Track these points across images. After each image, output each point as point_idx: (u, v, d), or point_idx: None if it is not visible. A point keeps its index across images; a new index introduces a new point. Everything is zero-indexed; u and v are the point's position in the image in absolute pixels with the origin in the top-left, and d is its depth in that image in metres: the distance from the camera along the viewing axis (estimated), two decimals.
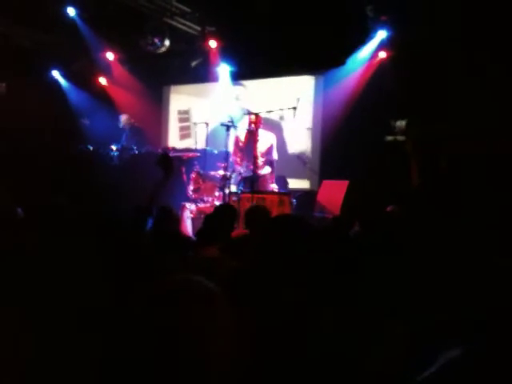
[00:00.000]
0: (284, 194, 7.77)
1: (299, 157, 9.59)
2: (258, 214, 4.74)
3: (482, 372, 1.32)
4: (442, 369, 1.36)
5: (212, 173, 8.27)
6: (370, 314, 1.91)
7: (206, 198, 8.07)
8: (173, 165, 3.94)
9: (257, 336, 1.81)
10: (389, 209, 5.58)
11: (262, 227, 3.89)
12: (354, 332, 1.84)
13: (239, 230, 7.06)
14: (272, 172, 8.30)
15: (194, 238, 5.44)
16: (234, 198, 7.53)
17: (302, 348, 1.79)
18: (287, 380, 1.73)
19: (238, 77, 10.53)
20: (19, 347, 1.77)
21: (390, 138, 8.19)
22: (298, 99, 7.26)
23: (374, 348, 1.82)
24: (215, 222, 4.42)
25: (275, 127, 9.82)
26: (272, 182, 8.27)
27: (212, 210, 5.94)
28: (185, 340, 1.34)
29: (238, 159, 8.37)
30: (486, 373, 1.32)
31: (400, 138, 7.98)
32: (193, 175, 8.25)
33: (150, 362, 1.33)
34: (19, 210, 4.23)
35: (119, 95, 11.47)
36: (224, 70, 10.52)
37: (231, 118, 7.91)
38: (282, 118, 10.10)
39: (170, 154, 9.16)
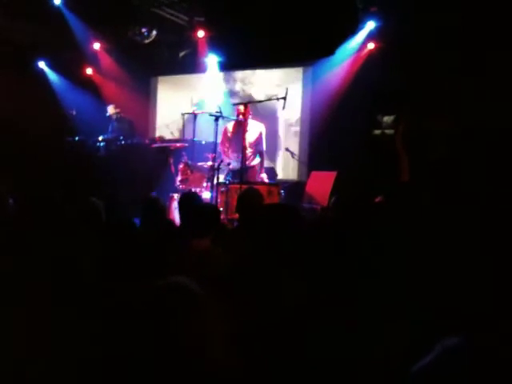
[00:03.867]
0: (273, 184, 7.76)
1: (287, 148, 9.59)
2: (251, 198, 4.70)
3: (479, 361, 1.32)
4: (438, 357, 1.36)
5: (200, 163, 8.25)
6: (368, 309, 1.91)
7: (194, 189, 8.05)
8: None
9: (251, 331, 1.80)
10: (378, 199, 5.59)
11: (255, 212, 3.88)
12: (353, 327, 1.83)
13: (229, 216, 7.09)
14: (261, 162, 8.29)
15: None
16: (222, 189, 7.51)
17: (301, 342, 1.78)
18: (286, 377, 1.72)
19: (226, 67, 10.48)
20: (18, 347, 1.76)
21: (377, 131, 8.18)
22: (287, 89, 7.23)
23: (374, 343, 1.81)
24: (199, 213, 4.36)
25: (264, 118, 9.81)
26: (262, 172, 8.27)
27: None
28: (171, 343, 1.34)
29: (226, 150, 8.36)
30: (483, 362, 1.32)
31: (388, 131, 7.97)
32: (181, 166, 8.22)
33: (139, 363, 1.33)
34: (11, 200, 4.20)
35: (106, 86, 11.39)
36: (212, 60, 10.47)
37: (220, 109, 7.88)
38: (270, 109, 10.08)
39: (157, 145, 9.18)
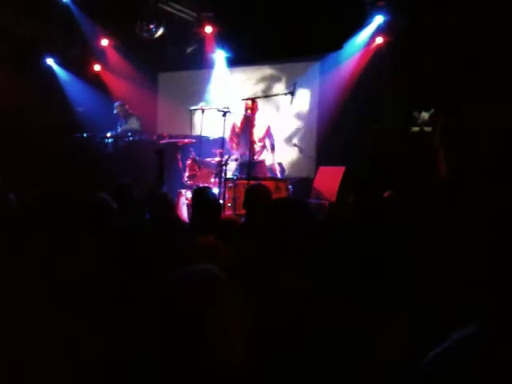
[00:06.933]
0: (280, 180, 7.76)
1: (295, 143, 9.57)
2: (258, 194, 4.67)
3: (496, 349, 1.30)
4: (454, 344, 1.34)
5: (208, 159, 8.25)
6: (371, 303, 1.89)
7: (201, 185, 8.05)
8: None
9: (257, 325, 1.79)
10: (386, 194, 5.54)
11: (262, 208, 3.85)
12: (356, 321, 1.82)
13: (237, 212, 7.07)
14: (273, 155, 8.32)
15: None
16: (230, 185, 7.51)
17: (304, 338, 1.77)
18: (289, 371, 1.71)
19: (233, 63, 10.46)
20: (20, 346, 1.75)
21: (415, 128, 8.08)
22: (295, 84, 7.20)
23: (377, 337, 1.80)
24: (202, 209, 4.31)
25: (272, 113, 9.78)
26: (274, 164, 8.29)
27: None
28: (198, 330, 1.31)
29: (234, 145, 8.37)
30: (499, 350, 1.30)
31: (427, 128, 7.85)
32: (188, 162, 8.23)
33: (161, 355, 1.30)
34: (12, 196, 4.21)
35: (114, 82, 11.39)
36: (220, 56, 10.46)
37: (227, 105, 7.87)
38: (277, 104, 10.06)
39: (165, 141, 9.17)
